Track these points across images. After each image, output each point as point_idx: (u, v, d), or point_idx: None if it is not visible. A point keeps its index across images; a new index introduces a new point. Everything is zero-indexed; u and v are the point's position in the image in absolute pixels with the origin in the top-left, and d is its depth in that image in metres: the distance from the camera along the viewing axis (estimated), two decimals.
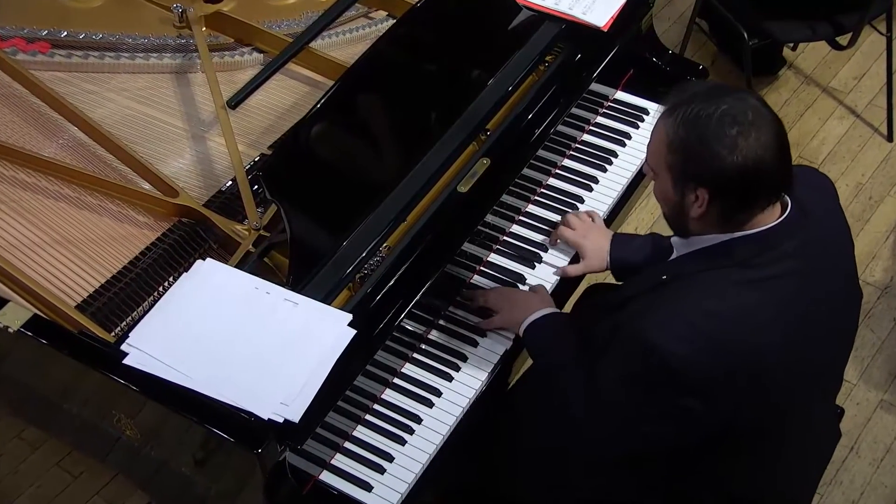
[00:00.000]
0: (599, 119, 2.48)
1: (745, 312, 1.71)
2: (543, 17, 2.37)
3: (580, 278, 2.27)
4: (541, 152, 2.30)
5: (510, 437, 2.09)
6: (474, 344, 2.07)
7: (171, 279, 1.97)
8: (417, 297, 1.99)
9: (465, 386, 2.02)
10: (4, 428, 2.76)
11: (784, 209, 1.75)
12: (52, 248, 2.02)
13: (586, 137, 2.44)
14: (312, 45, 2.34)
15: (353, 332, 1.79)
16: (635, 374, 1.74)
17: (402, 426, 1.96)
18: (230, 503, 1.90)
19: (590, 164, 2.39)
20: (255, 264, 1.95)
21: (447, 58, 2.26)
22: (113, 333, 1.88)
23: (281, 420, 1.69)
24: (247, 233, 2.01)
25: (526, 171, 2.27)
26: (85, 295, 1.94)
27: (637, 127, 2.46)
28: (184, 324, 1.80)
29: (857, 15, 3.22)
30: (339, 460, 1.90)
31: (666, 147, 1.71)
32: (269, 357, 1.77)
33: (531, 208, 2.30)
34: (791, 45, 3.84)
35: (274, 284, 1.86)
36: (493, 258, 2.21)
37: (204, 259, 1.91)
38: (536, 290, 2.13)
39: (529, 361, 2.12)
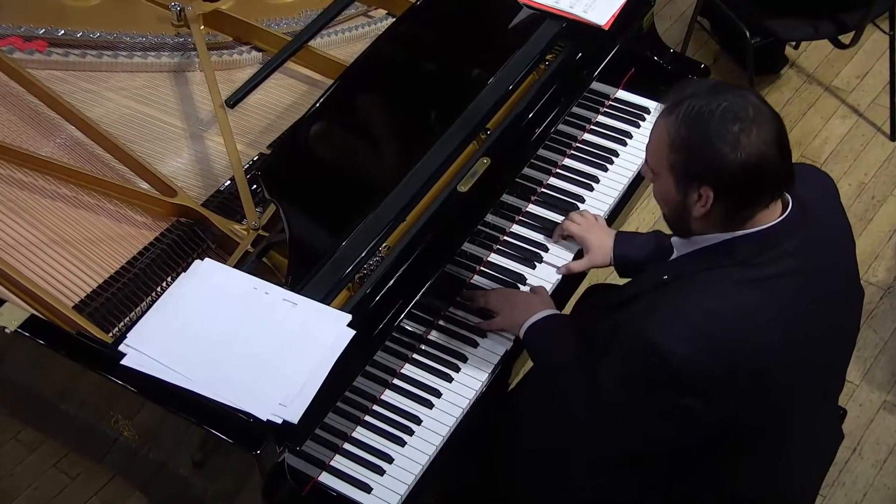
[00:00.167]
0: (600, 118, 2.47)
1: (746, 312, 1.70)
2: (544, 16, 2.36)
3: (581, 278, 2.27)
4: (541, 151, 2.29)
5: (510, 438, 2.09)
6: (474, 345, 2.07)
7: (169, 279, 1.96)
8: (417, 297, 1.98)
9: (465, 387, 2.01)
10: (1, 429, 2.76)
11: (785, 208, 1.75)
12: (49, 247, 2.01)
13: (587, 137, 2.43)
14: (312, 43, 2.34)
15: (353, 332, 1.79)
16: (636, 373, 1.74)
17: (401, 427, 1.95)
18: None
19: (591, 164, 2.38)
20: (253, 264, 1.95)
21: (447, 56, 2.25)
22: (111, 334, 1.87)
23: (280, 421, 1.69)
24: (245, 232, 2.00)
25: (526, 171, 2.26)
26: (82, 295, 1.94)
27: (638, 126, 2.46)
28: (182, 324, 1.80)
29: (860, 13, 3.21)
30: (339, 461, 1.90)
31: (667, 146, 1.70)
32: (268, 358, 1.76)
33: (532, 208, 2.29)
34: (793, 43, 3.84)
35: (273, 284, 1.85)
36: (494, 258, 2.20)
37: (202, 259, 1.90)
38: (537, 291, 2.12)
39: (530, 363, 2.11)
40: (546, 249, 2.22)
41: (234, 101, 2.16)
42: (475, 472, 2.12)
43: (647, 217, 3.33)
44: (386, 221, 1.98)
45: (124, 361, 1.75)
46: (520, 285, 2.16)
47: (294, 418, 1.69)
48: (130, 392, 1.76)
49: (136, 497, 2.57)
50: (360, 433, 1.94)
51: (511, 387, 2.21)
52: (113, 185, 2.10)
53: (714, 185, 1.67)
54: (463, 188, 2.08)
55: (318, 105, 2.01)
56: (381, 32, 2.25)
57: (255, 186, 2.04)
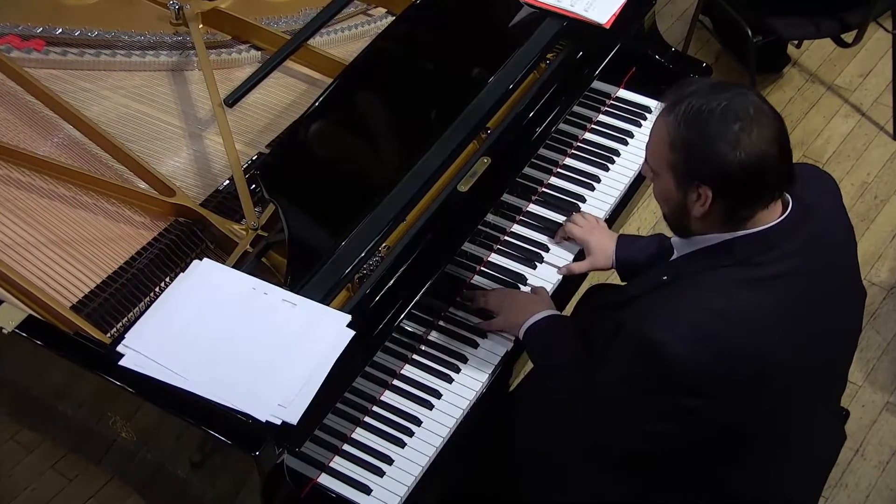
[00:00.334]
0: (601, 117, 2.46)
1: (746, 312, 1.70)
2: (545, 14, 2.35)
3: (582, 279, 2.26)
4: (542, 151, 2.29)
5: (510, 438, 2.08)
6: (474, 345, 2.06)
7: (167, 279, 1.96)
8: (417, 297, 1.97)
9: (465, 388, 2.01)
10: None
11: (785, 208, 1.74)
12: (47, 247, 2.01)
13: (588, 136, 2.43)
14: (311, 42, 2.33)
15: (352, 332, 1.78)
16: (636, 373, 1.73)
17: (401, 428, 1.94)
18: None
19: (592, 163, 2.37)
20: (252, 264, 1.94)
21: (447, 55, 2.25)
22: (109, 334, 1.87)
23: (279, 422, 1.68)
24: (244, 232, 2.00)
25: (527, 170, 2.26)
26: (80, 295, 1.93)
27: (639, 125, 2.45)
28: (180, 325, 1.79)
29: (863, 12, 3.20)
30: (338, 463, 1.89)
31: (667, 146, 1.69)
32: (267, 358, 1.76)
33: (532, 208, 2.28)
34: (795, 42, 3.83)
35: (272, 285, 1.85)
36: (494, 258, 2.20)
37: (201, 259, 1.90)
38: (537, 291, 2.12)
39: (531, 364, 2.10)
40: (547, 249, 2.21)
41: (233, 100, 2.16)
42: (475, 472, 2.11)
43: (648, 217, 3.32)
44: (386, 221, 1.98)
45: (122, 362, 1.74)
46: (520, 285, 2.15)
47: (293, 419, 1.68)
48: (128, 393, 1.75)
49: (134, 499, 2.54)
50: (360, 434, 1.93)
51: (511, 388, 2.20)
52: (111, 185, 2.10)
53: (713, 184, 1.67)
54: (463, 188, 2.07)
55: (317, 104, 2.01)
56: (380, 31, 2.24)
57: (253, 186, 2.04)
